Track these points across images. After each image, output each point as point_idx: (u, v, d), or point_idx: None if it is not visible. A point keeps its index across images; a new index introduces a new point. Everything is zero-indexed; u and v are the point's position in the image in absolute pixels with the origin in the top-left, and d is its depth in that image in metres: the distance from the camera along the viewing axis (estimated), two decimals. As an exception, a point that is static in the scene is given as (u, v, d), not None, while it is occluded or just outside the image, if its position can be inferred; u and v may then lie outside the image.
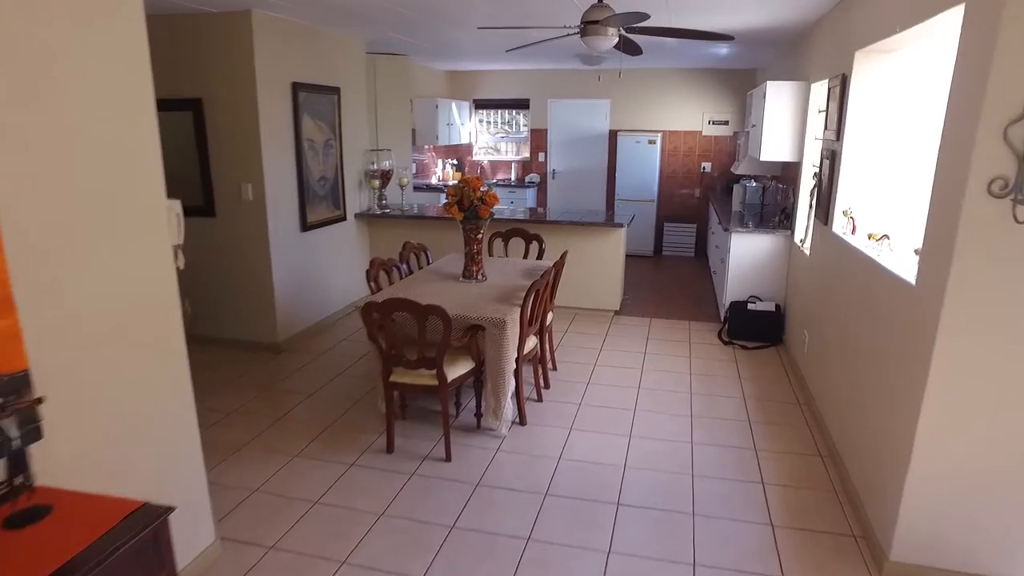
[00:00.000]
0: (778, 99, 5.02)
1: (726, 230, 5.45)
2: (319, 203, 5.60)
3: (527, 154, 9.63)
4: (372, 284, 4.00)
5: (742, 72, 8.54)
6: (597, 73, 8.84)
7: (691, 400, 4.30)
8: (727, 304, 5.55)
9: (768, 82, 5.03)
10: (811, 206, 4.70)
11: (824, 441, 3.70)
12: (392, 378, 3.50)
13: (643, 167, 8.62)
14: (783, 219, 5.50)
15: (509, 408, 3.75)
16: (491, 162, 9.84)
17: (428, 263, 4.82)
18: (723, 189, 8.70)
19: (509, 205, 9.22)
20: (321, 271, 5.71)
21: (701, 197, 9.03)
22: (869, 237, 3.22)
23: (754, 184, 6.77)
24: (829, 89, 4.13)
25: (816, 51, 4.71)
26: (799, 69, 5.31)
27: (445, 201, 4.09)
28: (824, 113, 4.29)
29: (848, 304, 3.43)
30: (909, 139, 3.48)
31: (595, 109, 9.17)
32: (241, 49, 4.63)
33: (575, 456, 3.58)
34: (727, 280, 5.53)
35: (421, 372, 3.43)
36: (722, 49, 6.50)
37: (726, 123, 8.72)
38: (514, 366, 3.68)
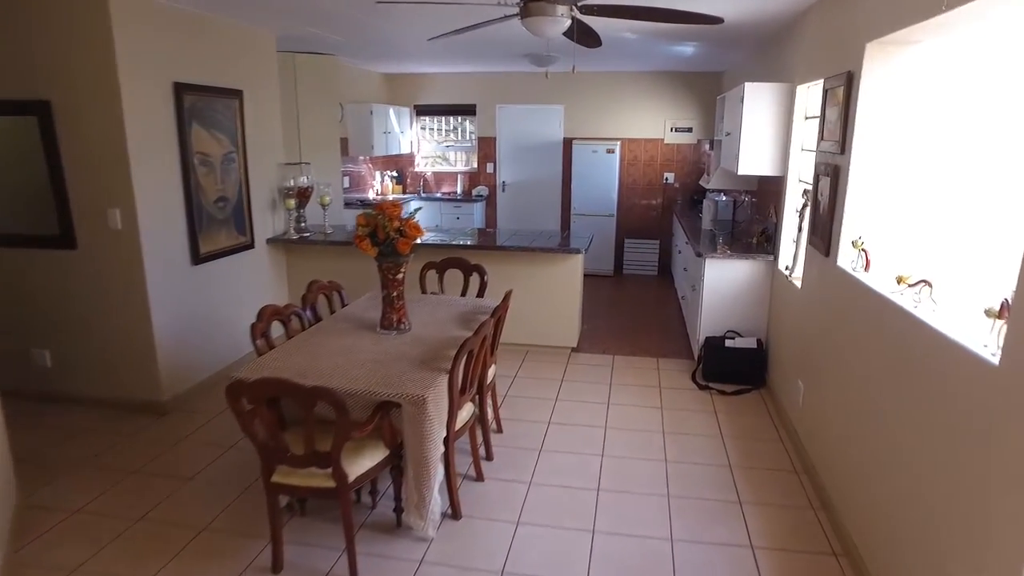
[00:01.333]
0: (758, 104, 4.29)
1: (699, 255, 4.70)
2: (217, 229, 4.64)
3: (475, 164, 8.79)
4: (259, 342, 3.08)
5: (707, 76, 7.88)
6: (546, 73, 8.07)
7: (666, 471, 3.50)
8: (701, 340, 4.80)
9: (746, 84, 4.30)
10: (800, 229, 3.97)
11: (837, 534, 2.94)
12: (275, 478, 2.59)
13: (600, 178, 7.88)
14: (763, 241, 4.77)
15: (437, 502, 2.87)
16: (435, 173, 8.96)
17: (344, 304, 3.92)
18: (688, 202, 8.02)
19: (455, 222, 8.37)
20: (221, 311, 4.74)
21: (664, 210, 8.33)
22: (898, 281, 2.47)
23: (724, 199, 6.07)
24: (826, 91, 3.40)
25: (805, 46, 3.99)
26: (781, 69, 4.61)
27: (356, 232, 3.22)
28: (819, 120, 3.56)
29: (870, 363, 2.68)
30: (948, 153, 2.75)
31: (548, 115, 8.39)
32: (97, 39, 3.66)
33: (523, 568, 2.73)
34: (701, 313, 4.78)
35: (313, 471, 2.53)
36: (687, 48, 5.79)
37: (690, 130, 8.04)
38: (441, 449, 2.82)
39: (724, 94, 5.29)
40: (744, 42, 5.26)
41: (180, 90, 4.16)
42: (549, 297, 5.16)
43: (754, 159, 4.39)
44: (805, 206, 3.91)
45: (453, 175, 8.86)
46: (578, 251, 4.83)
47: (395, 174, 8.82)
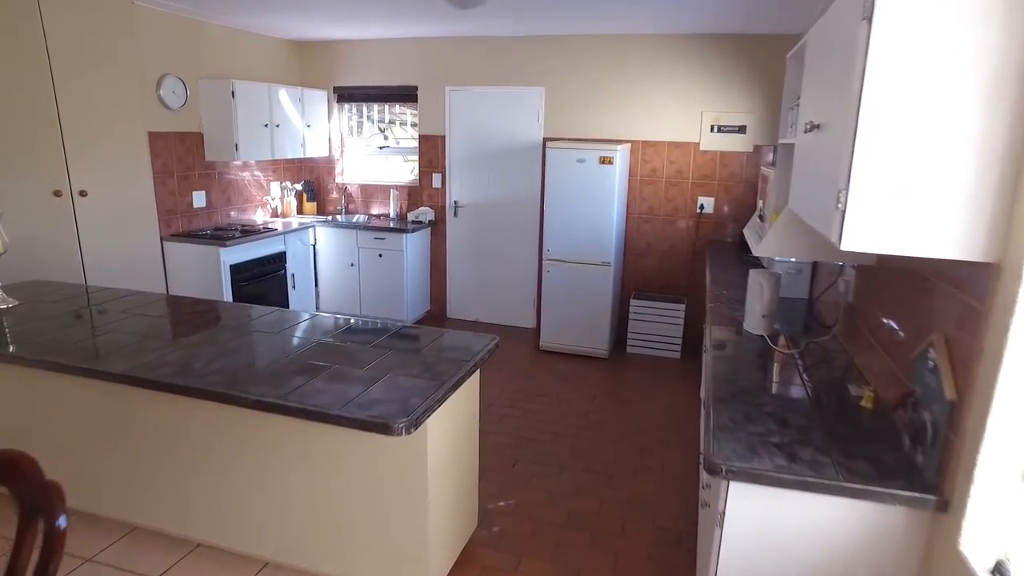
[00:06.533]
0: (924, 29, 1.28)
1: (714, 470, 1.67)
2: None
3: (416, 175, 5.96)
4: None
5: (776, 42, 4.78)
6: (519, 41, 5.19)
7: None
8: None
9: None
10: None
11: None
12: None
13: (591, 204, 4.89)
14: (903, 434, 1.74)
15: None
16: (363, 187, 6.17)
17: None
18: (736, 248, 4.96)
19: (375, 263, 5.57)
20: None
21: (696, 255, 5.28)
22: None
23: (794, 263, 3.08)
24: None
25: None
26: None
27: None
28: None
29: None
30: None
31: (520, 102, 5.48)
32: None
33: None
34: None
35: None
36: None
37: (742, 130, 4.97)
38: None
39: (807, 36, 2.20)
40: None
41: None
42: (375, 510, 2.26)
43: (894, 208, 1.36)
44: None
45: (386, 190, 6.05)
46: (406, 428, 1.88)
47: (299, 186, 6.08)
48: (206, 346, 2.45)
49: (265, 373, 2.19)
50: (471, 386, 2.52)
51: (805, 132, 1.74)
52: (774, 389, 2.14)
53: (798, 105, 2.25)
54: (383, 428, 1.83)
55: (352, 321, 2.84)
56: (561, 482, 3.31)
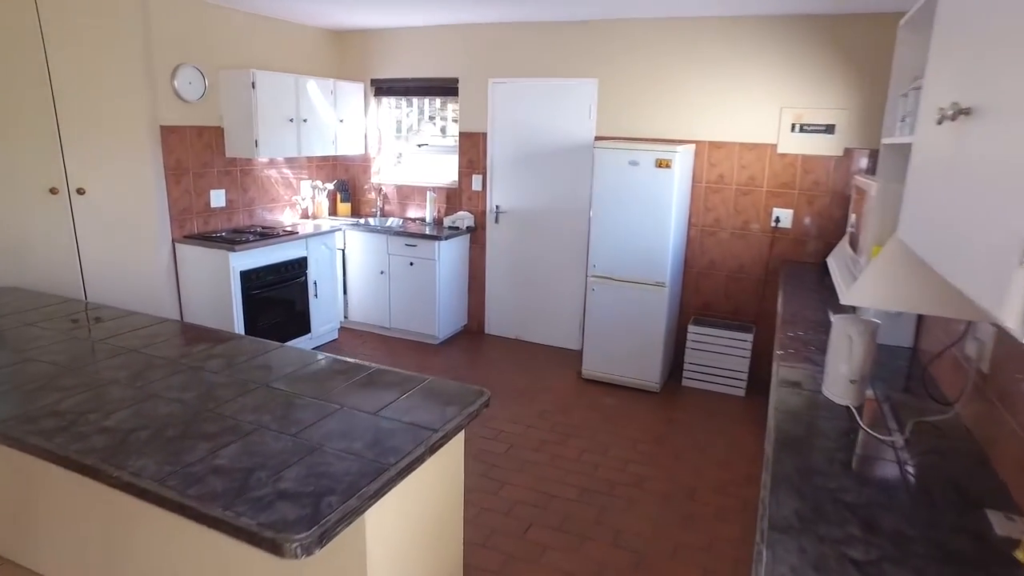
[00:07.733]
0: None
1: None
2: None
3: (456, 176, 5.42)
4: None
5: (872, 22, 3.94)
6: (569, 27, 4.57)
7: None
8: None
9: None
10: None
11: None
12: None
13: (645, 214, 4.19)
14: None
15: None
16: (400, 188, 5.68)
17: None
18: (818, 270, 4.16)
19: (406, 273, 5.08)
20: None
21: (770, 276, 4.49)
22: None
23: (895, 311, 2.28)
24: None
25: None
26: None
27: None
28: None
29: None
30: None
31: (571, 96, 4.84)
32: None
33: None
34: None
35: None
36: None
37: (830, 130, 4.15)
38: None
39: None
40: None
41: None
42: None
43: None
44: None
45: (423, 191, 5.54)
46: (304, 548, 1.31)
47: (331, 186, 5.66)
48: (120, 389, 1.97)
49: (168, 434, 1.67)
50: (449, 454, 1.93)
51: (939, 123, 1.05)
52: (865, 509, 1.44)
53: (917, 88, 1.54)
54: (271, 546, 1.27)
55: (317, 358, 2.31)
56: (580, 560, 2.68)
